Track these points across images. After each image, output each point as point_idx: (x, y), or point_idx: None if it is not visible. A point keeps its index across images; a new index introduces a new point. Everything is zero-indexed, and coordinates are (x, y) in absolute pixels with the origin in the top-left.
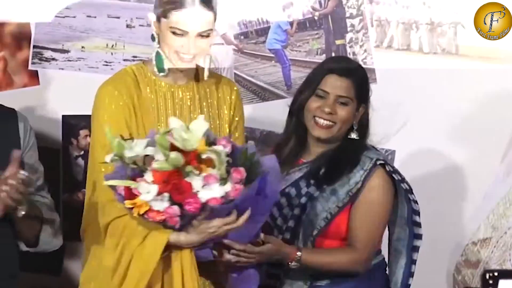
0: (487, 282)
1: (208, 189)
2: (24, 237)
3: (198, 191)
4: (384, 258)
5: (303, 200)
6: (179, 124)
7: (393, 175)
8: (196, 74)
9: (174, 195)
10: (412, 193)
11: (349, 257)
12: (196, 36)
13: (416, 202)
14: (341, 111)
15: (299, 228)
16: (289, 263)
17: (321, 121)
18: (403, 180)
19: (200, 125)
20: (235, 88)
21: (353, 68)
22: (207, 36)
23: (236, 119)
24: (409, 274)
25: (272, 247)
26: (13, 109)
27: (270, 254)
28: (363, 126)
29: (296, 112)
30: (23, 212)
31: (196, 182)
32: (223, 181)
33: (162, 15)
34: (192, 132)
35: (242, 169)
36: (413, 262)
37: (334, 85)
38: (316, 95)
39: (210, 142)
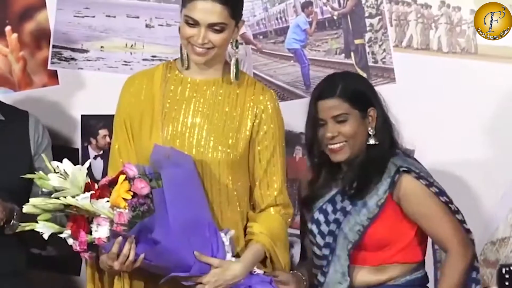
0: (503, 276)
1: (98, 229)
2: (30, 242)
3: (96, 231)
4: (423, 276)
5: (338, 215)
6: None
7: (420, 181)
8: (226, 73)
9: (73, 234)
10: (443, 195)
11: (454, 261)
12: (207, 28)
13: (450, 203)
14: (343, 129)
15: (335, 243)
16: None
17: (333, 147)
18: (431, 184)
19: (80, 173)
20: (269, 96)
21: (336, 84)
22: (220, 30)
23: (264, 127)
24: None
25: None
26: (26, 111)
27: None
28: (382, 128)
29: (313, 148)
30: (10, 232)
31: (93, 224)
32: (111, 222)
33: (183, 4)
34: (73, 180)
35: (126, 212)
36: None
37: (324, 109)
38: (318, 126)
39: (130, 178)
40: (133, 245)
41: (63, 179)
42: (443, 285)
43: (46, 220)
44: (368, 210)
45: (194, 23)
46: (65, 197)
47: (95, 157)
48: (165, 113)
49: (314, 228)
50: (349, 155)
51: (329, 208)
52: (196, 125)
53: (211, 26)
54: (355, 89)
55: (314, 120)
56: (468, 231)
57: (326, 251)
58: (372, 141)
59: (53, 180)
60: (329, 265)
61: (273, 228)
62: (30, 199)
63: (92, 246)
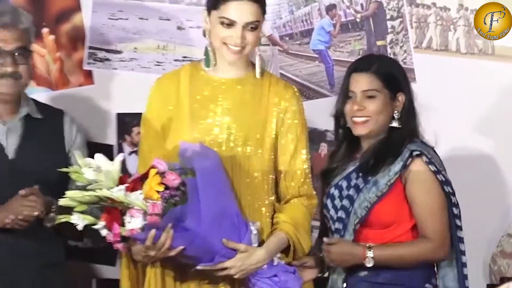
0: None
1: (132, 220)
2: (67, 234)
3: (129, 222)
4: None
5: (351, 191)
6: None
7: (429, 166)
8: (249, 71)
9: (107, 225)
10: (448, 185)
11: (421, 246)
12: (243, 27)
13: (453, 194)
14: (370, 105)
15: (347, 218)
16: (364, 262)
17: (356, 119)
18: (439, 171)
19: (113, 167)
20: (291, 93)
21: (372, 61)
22: (255, 28)
23: (288, 121)
24: (462, 264)
25: (340, 248)
26: (61, 109)
27: (341, 254)
28: (406, 114)
29: (339, 119)
30: (49, 224)
31: (126, 216)
32: (144, 214)
33: (213, 7)
34: (107, 174)
35: (159, 203)
36: (462, 253)
37: (357, 82)
38: (348, 98)
39: (161, 172)
40: (170, 234)
41: (97, 173)
42: (393, 248)
43: (82, 212)
44: (377, 189)
45: (230, 23)
46: (100, 189)
47: (129, 153)
48: (193, 112)
49: (328, 202)
50: (370, 131)
51: (344, 184)
52: (224, 122)
53: (247, 25)
54: (390, 71)
55: (345, 92)
56: (460, 240)
57: (339, 225)
58: (395, 124)
59: (88, 174)
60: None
61: (296, 218)
62: (67, 192)
63: (125, 238)
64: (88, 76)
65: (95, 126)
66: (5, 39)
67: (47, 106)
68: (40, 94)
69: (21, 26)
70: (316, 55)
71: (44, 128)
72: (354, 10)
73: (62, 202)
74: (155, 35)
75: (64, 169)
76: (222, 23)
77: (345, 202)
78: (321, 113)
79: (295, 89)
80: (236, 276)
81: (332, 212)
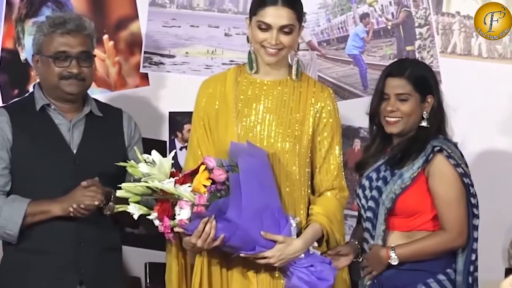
0: None
1: (181, 212)
2: (123, 222)
3: (178, 214)
4: None
5: (380, 183)
6: (152, 159)
7: (449, 160)
8: (289, 74)
9: (159, 216)
10: (467, 177)
11: (440, 237)
12: (279, 30)
13: (471, 185)
14: (402, 107)
15: (377, 208)
16: (390, 261)
17: (389, 119)
18: (458, 165)
19: (166, 162)
20: (327, 94)
21: (406, 67)
22: (290, 32)
23: (324, 120)
24: (471, 250)
25: (372, 255)
26: (120, 109)
27: (373, 259)
28: (434, 115)
29: (374, 117)
30: (108, 212)
31: (176, 207)
32: (192, 205)
33: (253, 13)
34: (160, 168)
35: (205, 195)
36: (475, 240)
37: (391, 85)
38: (382, 99)
39: (210, 169)
40: (213, 224)
41: (151, 167)
42: (413, 244)
43: (136, 203)
44: (402, 181)
45: (267, 27)
46: (152, 181)
47: (180, 149)
48: (238, 111)
49: (360, 192)
50: (401, 130)
51: (374, 176)
52: (266, 120)
53: (282, 29)
54: (421, 76)
55: (380, 94)
56: (474, 228)
57: (369, 214)
58: (424, 124)
59: (142, 168)
60: (374, 228)
61: (329, 210)
62: (122, 184)
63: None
64: (144, 78)
65: (150, 124)
66: (71, 44)
67: (107, 105)
68: (100, 94)
69: (85, 32)
70: (351, 59)
71: (105, 125)
72: (386, 18)
73: (118, 193)
74: (205, 41)
75: (121, 163)
76: (259, 26)
77: (374, 193)
78: (355, 112)
79: (331, 91)
80: (276, 265)
81: (363, 201)
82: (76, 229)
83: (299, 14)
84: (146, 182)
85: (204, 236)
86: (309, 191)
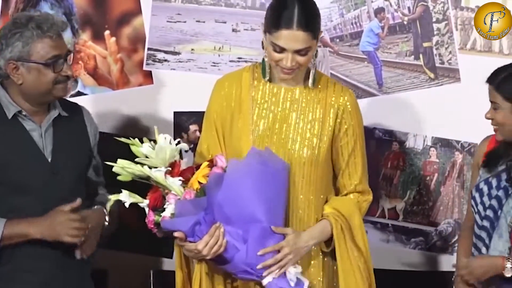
0: None
1: (168, 206)
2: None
3: (166, 208)
4: None
5: (500, 193)
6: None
7: None
8: (306, 78)
9: (149, 205)
10: None
11: None
12: (294, 53)
13: None
14: (496, 116)
15: (497, 220)
16: (503, 272)
17: (493, 127)
18: None
19: (169, 148)
20: (348, 95)
21: (499, 74)
22: (305, 53)
23: (345, 125)
24: None
25: (482, 262)
26: (78, 104)
27: (481, 268)
28: None
29: None
30: (78, 257)
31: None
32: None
33: (266, 30)
34: (158, 152)
35: (193, 191)
36: None
37: (489, 93)
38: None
39: (212, 166)
40: (222, 230)
41: (151, 149)
42: None
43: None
44: None
45: (281, 50)
46: (142, 166)
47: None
48: (254, 117)
49: (477, 196)
50: (503, 139)
51: (494, 183)
52: (283, 127)
53: (297, 52)
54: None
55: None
56: None
57: (486, 223)
58: None
59: (144, 148)
60: (491, 239)
61: (342, 208)
62: (118, 160)
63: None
64: (148, 76)
65: (154, 125)
66: (61, 46)
67: (67, 102)
68: (101, 93)
69: (66, 30)
70: (365, 56)
71: (71, 126)
72: (402, 13)
73: (115, 169)
74: (211, 37)
75: (124, 139)
76: (274, 49)
77: (494, 202)
78: (369, 112)
79: (351, 92)
80: (290, 257)
81: (480, 207)
82: (57, 244)
83: (315, 33)
84: (140, 164)
85: (212, 243)
86: (332, 195)
